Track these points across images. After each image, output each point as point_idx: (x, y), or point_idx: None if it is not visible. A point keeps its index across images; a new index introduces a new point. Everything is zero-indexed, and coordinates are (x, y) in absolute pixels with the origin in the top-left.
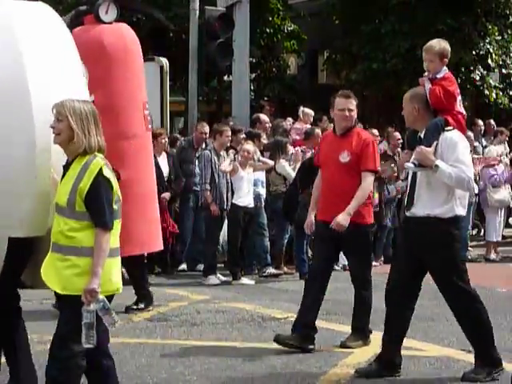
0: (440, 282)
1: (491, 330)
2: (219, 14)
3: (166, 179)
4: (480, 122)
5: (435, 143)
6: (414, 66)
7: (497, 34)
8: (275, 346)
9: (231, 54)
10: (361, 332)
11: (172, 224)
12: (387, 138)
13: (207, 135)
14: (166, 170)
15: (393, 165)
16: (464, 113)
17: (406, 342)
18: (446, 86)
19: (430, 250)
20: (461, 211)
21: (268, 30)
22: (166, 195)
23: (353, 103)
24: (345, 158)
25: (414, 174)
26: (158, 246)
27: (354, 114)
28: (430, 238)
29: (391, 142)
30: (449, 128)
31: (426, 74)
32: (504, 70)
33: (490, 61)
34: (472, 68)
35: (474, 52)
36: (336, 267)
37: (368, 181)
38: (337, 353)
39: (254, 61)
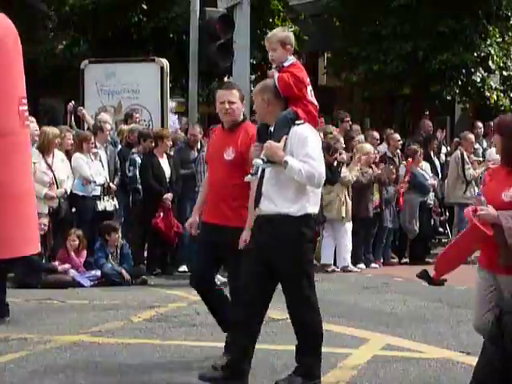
0: (287, 285)
1: (321, 344)
2: (220, 15)
3: (167, 180)
4: (480, 125)
5: (284, 138)
6: (415, 68)
7: (498, 36)
8: (275, 347)
9: (231, 55)
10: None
11: (177, 224)
12: (387, 139)
13: (198, 137)
14: (167, 171)
15: (392, 167)
16: (316, 103)
17: (405, 343)
18: (295, 72)
19: (278, 251)
20: (312, 209)
21: (268, 32)
22: (169, 196)
23: (235, 95)
24: (229, 155)
25: (263, 171)
26: (33, 249)
27: (237, 106)
28: (278, 238)
29: (391, 143)
30: (299, 122)
31: (274, 66)
32: (505, 72)
33: (490, 63)
34: (473, 70)
35: (475, 54)
36: (335, 269)
37: None
38: (336, 354)
39: (254, 62)
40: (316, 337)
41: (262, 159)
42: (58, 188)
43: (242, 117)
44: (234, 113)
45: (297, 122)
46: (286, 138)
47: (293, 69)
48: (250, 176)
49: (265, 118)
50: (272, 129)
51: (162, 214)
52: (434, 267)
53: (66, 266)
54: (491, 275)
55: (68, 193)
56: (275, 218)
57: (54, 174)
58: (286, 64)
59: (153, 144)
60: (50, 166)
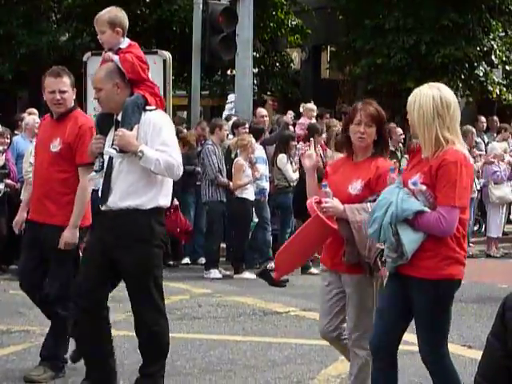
0: (131, 284)
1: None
2: (223, 7)
3: None
4: (482, 119)
5: (136, 126)
6: (418, 61)
7: (500, 30)
8: (276, 339)
9: (234, 48)
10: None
11: (184, 221)
12: (389, 133)
13: (206, 134)
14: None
15: (394, 160)
16: (157, 85)
17: (406, 336)
18: (136, 52)
19: (124, 246)
20: (164, 201)
21: (272, 25)
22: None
23: (65, 83)
24: (55, 146)
25: (110, 161)
26: None
27: (69, 95)
28: (125, 232)
29: (393, 137)
30: (150, 107)
31: (106, 49)
32: (508, 67)
33: (493, 57)
34: (476, 64)
35: (477, 48)
36: None
37: (85, 178)
38: None
39: (257, 55)
40: (162, 346)
41: (115, 148)
42: None
43: (72, 104)
44: (66, 102)
45: (147, 107)
46: (138, 126)
47: (133, 49)
48: (94, 173)
49: (109, 105)
50: (119, 117)
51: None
52: (275, 267)
53: None
54: (335, 275)
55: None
56: (124, 214)
57: None
58: (123, 46)
59: None
60: None
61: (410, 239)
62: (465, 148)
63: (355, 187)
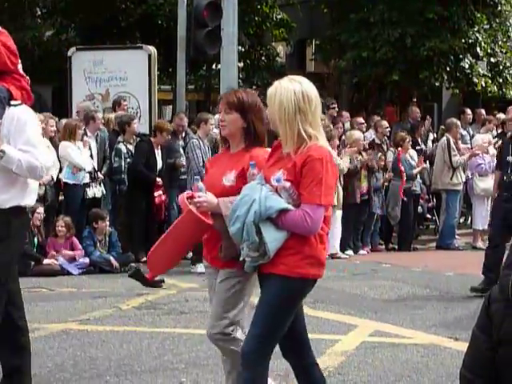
0: None
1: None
2: (207, 2)
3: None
4: (468, 111)
5: None
6: (403, 54)
7: (485, 22)
8: None
9: (219, 42)
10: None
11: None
12: (375, 126)
13: (185, 127)
14: (159, 162)
15: (380, 154)
16: (27, 77)
17: (393, 329)
18: (5, 41)
19: None
20: (27, 201)
21: (256, 19)
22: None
23: None
24: None
25: None
26: None
27: None
28: None
29: (379, 130)
30: (15, 102)
31: None
32: (493, 59)
33: (478, 49)
34: (461, 56)
35: (463, 40)
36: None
37: None
38: (324, 340)
39: (242, 49)
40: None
41: None
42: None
43: None
44: None
45: (12, 102)
46: (1, 123)
47: (2, 37)
48: None
49: None
50: None
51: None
52: (148, 266)
53: (54, 253)
54: (215, 270)
55: (54, 180)
56: None
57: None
58: None
59: (136, 126)
60: None
61: (273, 238)
62: (328, 144)
63: (229, 178)
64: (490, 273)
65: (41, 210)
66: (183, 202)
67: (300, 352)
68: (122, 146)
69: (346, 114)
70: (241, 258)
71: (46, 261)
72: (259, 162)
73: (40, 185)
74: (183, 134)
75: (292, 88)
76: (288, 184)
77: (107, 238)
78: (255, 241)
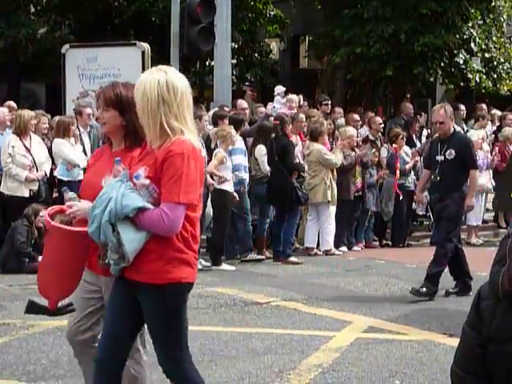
0: None
1: None
2: None
3: None
4: (462, 107)
5: None
6: (397, 50)
7: (479, 18)
8: (257, 330)
9: (213, 38)
10: None
11: None
12: (369, 122)
13: None
14: None
15: (374, 150)
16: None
17: (387, 325)
18: None
19: None
20: None
21: (250, 15)
22: None
23: None
24: None
25: None
26: None
27: None
28: None
29: (372, 126)
30: None
31: None
32: (487, 54)
33: (473, 45)
34: (456, 52)
35: (457, 36)
36: (318, 252)
37: None
38: (319, 337)
39: (235, 46)
40: None
41: None
42: (37, 171)
43: None
44: None
45: None
46: None
47: None
48: None
49: None
50: None
51: None
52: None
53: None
54: (95, 276)
55: (48, 175)
56: None
57: (33, 157)
58: None
59: None
60: (28, 149)
61: (131, 239)
62: (196, 138)
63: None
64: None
65: (43, 212)
66: (46, 221)
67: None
68: None
69: (338, 110)
70: (106, 261)
71: (40, 258)
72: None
73: (34, 181)
74: None
75: (156, 78)
76: (147, 181)
77: None
78: (113, 241)
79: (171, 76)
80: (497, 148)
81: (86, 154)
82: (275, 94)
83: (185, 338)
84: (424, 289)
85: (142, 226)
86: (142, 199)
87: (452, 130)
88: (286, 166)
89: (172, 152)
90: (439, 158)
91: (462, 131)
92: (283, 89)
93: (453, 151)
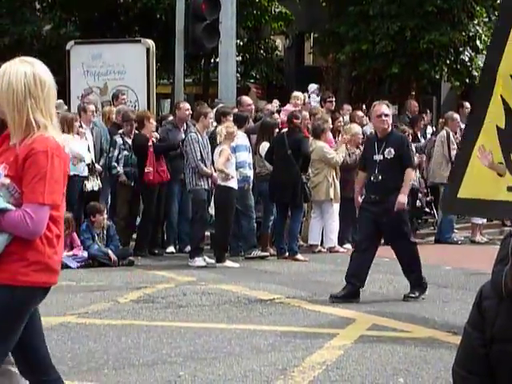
0: None
1: None
2: None
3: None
4: (467, 104)
5: None
6: (403, 47)
7: (485, 15)
8: (261, 327)
9: (218, 35)
10: None
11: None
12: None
13: (190, 112)
14: None
15: None
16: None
17: (391, 323)
18: None
19: None
20: None
21: (255, 12)
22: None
23: None
24: None
25: None
26: None
27: None
28: None
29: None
30: None
31: None
32: None
33: (478, 42)
34: (461, 49)
35: (463, 33)
36: (322, 249)
37: None
38: (323, 334)
39: (240, 43)
40: None
41: None
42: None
43: None
44: None
45: None
46: None
47: None
48: None
49: None
50: None
51: (151, 169)
52: None
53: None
54: None
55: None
56: None
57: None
58: None
59: (134, 125)
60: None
61: None
62: (59, 134)
63: None
64: (352, 278)
65: None
66: None
67: (40, 368)
68: (118, 138)
69: (347, 107)
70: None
71: None
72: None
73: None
74: (185, 127)
75: (22, 69)
76: (8, 181)
77: (105, 232)
78: None
79: (38, 69)
80: None
81: (89, 150)
82: (309, 92)
83: (11, 346)
84: (416, 293)
85: (3, 228)
86: (2, 200)
87: (390, 128)
88: (304, 159)
89: (35, 150)
90: (377, 157)
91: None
92: (316, 86)
93: (392, 150)
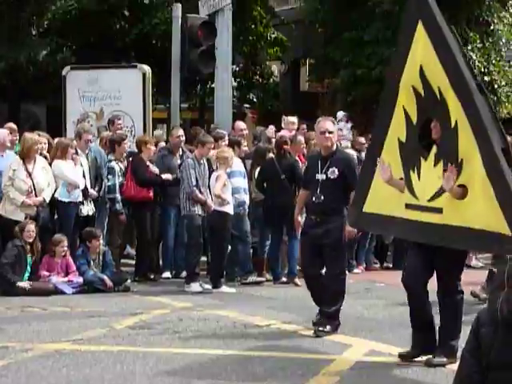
0: None
1: None
2: (202, 21)
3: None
4: None
5: None
6: None
7: (478, 41)
8: (258, 353)
9: (214, 61)
10: None
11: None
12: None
13: (183, 138)
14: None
15: None
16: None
17: (388, 348)
18: None
19: None
20: None
21: (251, 38)
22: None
23: None
24: None
25: None
26: None
27: None
28: None
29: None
30: None
31: None
32: (486, 78)
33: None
34: None
35: None
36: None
37: None
38: (319, 360)
39: (236, 68)
40: None
41: None
42: (36, 196)
43: None
44: None
45: None
46: None
47: None
48: None
49: None
50: None
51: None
52: None
53: (46, 273)
54: None
55: (47, 201)
56: None
57: (33, 182)
58: None
59: (126, 146)
60: (29, 174)
61: None
62: None
63: None
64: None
65: (31, 227)
66: None
67: None
68: (115, 165)
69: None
70: None
71: (20, 284)
72: None
73: (31, 206)
74: (180, 152)
75: None
76: None
77: (101, 257)
78: None
79: None
80: None
81: (84, 176)
82: (338, 120)
83: None
84: (327, 327)
85: None
86: None
87: (335, 146)
88: (298, 183)
89: None
90: (320, 176)
91: None
92: (343, 113)
93: (336, 170)
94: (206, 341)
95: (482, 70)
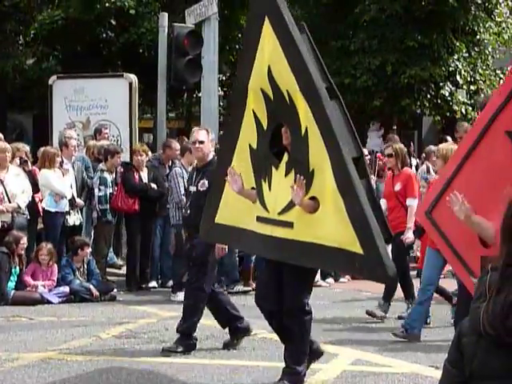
0: None
1: None
2: (188, 30)
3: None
4: (449, 138)
5: None
6: (384, 81)
7: (464, 51)
8: (244, 362)
9: (200, 70)
10: None
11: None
12: None
13: (175, 154)
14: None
15: None
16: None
17: (374, 358)
18: None
19: None
20: None
21: (237, 47)
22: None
23: None
24: None
25: None
26: None
27: None
28: None
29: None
30: None
31: None
32: (472, 87)
33: (458, 77)
34: (441, 84)
35: (443, 68)
36: (323, 283)
37: None
38: None
39: (223, 77)
40: None
41: None
42: (10, 202)
43: None
44: None
45: None
46: None
47: None
48: None
49: None
50: None
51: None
52: None
53: (33, 282)
54: None
55: (22, 208)
56: None
57: (5, 189)
58: None
59: (119, 159)
60: (1, 181)
61: None
62: None
63: None
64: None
65: (24, 240)
66: None
67: None
68: (107, 175)
69: None
70: None
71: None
72: None
73: (4, 212)
74: (170, 163)
75: None
76: None
77: (85, 266)
78: None
79: None
80: None
81: (71, 186)
82: (370, 130)
83: None
84: (180, 347)
85: None
86: None
87: (210, 157)
88: None
89: None
90: (192, 188)
91: None
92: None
93: (206, 182)
94: (192, 350)
95: (469, 79)
